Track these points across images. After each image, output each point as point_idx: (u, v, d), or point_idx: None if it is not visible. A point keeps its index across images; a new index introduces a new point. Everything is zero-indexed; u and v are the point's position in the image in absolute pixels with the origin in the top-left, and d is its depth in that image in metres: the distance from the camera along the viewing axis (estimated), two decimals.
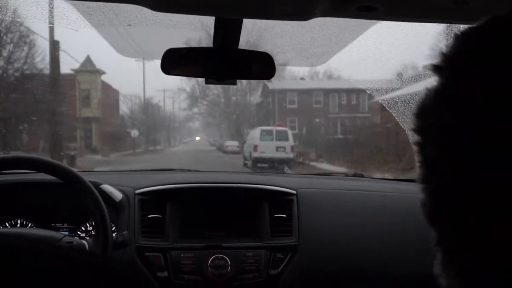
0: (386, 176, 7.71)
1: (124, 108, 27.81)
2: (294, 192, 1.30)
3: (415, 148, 0.37)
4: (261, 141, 13.59)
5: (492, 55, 0.32)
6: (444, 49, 0.36)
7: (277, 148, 13.45)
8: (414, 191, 1.42)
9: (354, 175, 1.70)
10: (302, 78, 25.77)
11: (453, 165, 0.33)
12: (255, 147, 13.46)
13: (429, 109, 0.36)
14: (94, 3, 1.05)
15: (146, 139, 26.87)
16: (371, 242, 1.21)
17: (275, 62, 1.02)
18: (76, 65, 18.41)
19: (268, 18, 1.04)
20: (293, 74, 25.48)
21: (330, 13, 0.74)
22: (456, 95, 0.33)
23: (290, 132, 14.46)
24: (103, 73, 20.58)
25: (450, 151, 0.33)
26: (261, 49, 1.09)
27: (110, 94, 22.57)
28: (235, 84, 1.11)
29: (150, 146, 27.47)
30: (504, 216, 0.30)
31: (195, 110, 31.35)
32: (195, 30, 1.16)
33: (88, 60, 19.22)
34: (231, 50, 0.97)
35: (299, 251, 1.21)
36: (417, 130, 0.37)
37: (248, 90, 25.17)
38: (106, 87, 21.97)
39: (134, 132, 22.03)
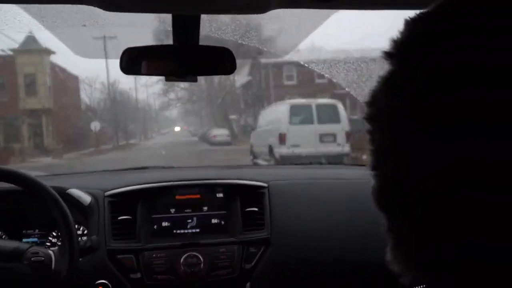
0: None
1: (85, 97, 28.06)
2: (265, 185, 1.61)
3: (367, 136, 0.47)
4: (291, 125, 10.23)
5: (439, 40, 0.38)
6: (396, 36, 0.43)
7: (322, 137, 10.10)
8: None
9: (329, 163, 2.01)
10: (297, 50, 25.72)
11: (398, 152, 0.40)
12: (281, 137, 10.19)
13: (378, 97, 0.44)
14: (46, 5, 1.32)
15: (115, 132, 27.12)
16: (343, 232, 1.53)
17: (236, 57, 1.31)
18: (15, 46, 18.39)
19: (225, 13, 1.32)
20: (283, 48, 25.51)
21: (286, 5, 0.93)
22: (402, 82, 0.40)
23: (341, 108, 10.69)
24: (52, 53, 20.44)
25: (395, 138, 0.41)
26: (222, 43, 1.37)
27: (65, 79, 22.54)
28: (196, 81, 1.38)
29: (121, 140, 27.81)
30: (449, 197, 0.36)
31: (172, 96, 31.76)
32: (153, 27, 1.45)
33: (30, 38, 18.82)
34: (191, 47, 1.19)
35: (272, 244, 1.52)
36: (368, 118, 0.45)
37: None
38: (59, 71, 21.86)
39: (95, 125, 22.11)
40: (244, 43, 1.47)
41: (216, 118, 30.15)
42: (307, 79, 21.13)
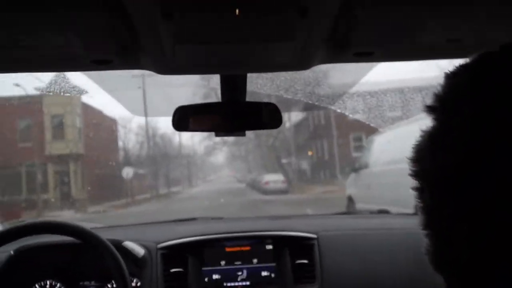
0: None
1: (120, 140, 28.98)
2: (315, 236, 1.94)
3: (413, 193, 0.53)
4: None
5: (481, 92, 0.44)
6: (437, 90, 0.50)
7: None
8: None
9: (379, 211, 2.32)
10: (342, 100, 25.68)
11: (450, 212, 0.46)
12: None
13: (423, 153, 0.50)
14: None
15: (155, 180, 28.15)
16: (393, 284, 1.81)
17: (282, 110, 1.66)
18: (42, 85, 19.48)
19: (269, 71, 1.68)
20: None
21: (328, 60, 1.16)
22: (445, 136, 0.46)
23: None
24: (84, 92, 21.33)
25: (445, 197, 0.47)
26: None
27: (99, 121, 23.18)
28: (244, 135, 1.70)
29: (163, 188, 28.85)
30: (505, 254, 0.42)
31: (217, 139, 33.14)
32: (203, 87, 1.87)
33: (59, 76, 20.03)
34: (238, 103, 1.52)
35: None
36: (414, 175, 0.51)
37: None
38: (93, 112, 22.28)
39: (127, 172, 22.65)
40: (289, 97, 1.86)
41: (265, 162, 30.72)
42: (376, 111, 20.99)
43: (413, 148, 0.53)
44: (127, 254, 1.85)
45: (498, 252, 0.44)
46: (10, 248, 1.90)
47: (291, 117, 27.42)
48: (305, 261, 1.89)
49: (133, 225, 2.57)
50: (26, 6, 0.84)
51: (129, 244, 1.90)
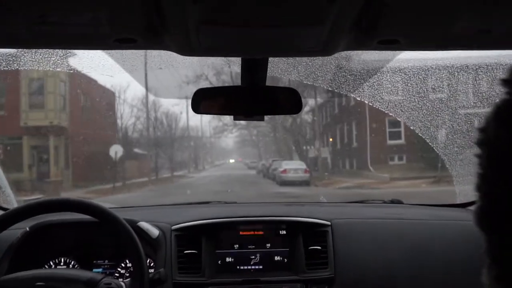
0: None
1: (122, 116, 29.16)
2: (329, 223, 2.38)
3: (475, 159, 0.68)
4: None
5: None
6: None
7: None
8: (452, 217, 2.49)
9: (391, 201, 2.77)
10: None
11: (505, 179, 0.61)
12: None
13: (489, 124, 0.65)
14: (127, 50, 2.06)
15: (156, 162, 28.68)
16: (406, 272, 2.25)
17: (302, 96, 1.99)
18: None
19: (292, 56, 2.03)
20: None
21: (352, 47, 1.31)
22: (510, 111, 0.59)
23: None
24: (71, 54, 20.70)
25: (502, 166, 0.62)
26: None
27: (90, 91, 22.92)
28: (263, 120, 2.07)
29: (164, 171, 29.51)
30: None
31: (226, 120, 34.00)
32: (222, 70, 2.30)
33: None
34: (258, 88, 1.72)
35: (336, 284, 2.26)
36: (478, 143, 0.66)
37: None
38: (84, 80, 21.14)
39: (116, 150, 22.75)
40: (309, 83, 2.27)
41: (281, 147, 31.16)
42: (416, 94, 20.79)
43: (483, 119, 0.69)
44: (142, 234, 2.27)
45: None
46: (26, 225, 2.25)
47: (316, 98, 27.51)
48: (318, 247, 2.32)
49: (148, 206, 3.03)
50: None
51: (144, 225, 2.33)
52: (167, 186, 23.99)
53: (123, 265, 2.42)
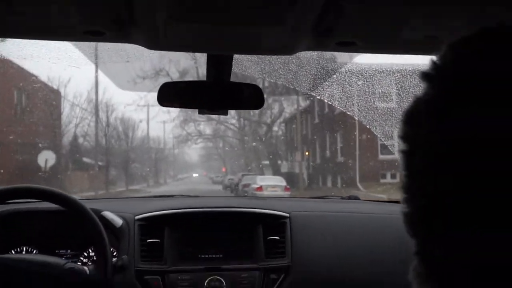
0: None
1: (67, 118, 28.06)
2: (287, 215, 2.62)
3: (400, 155, 0.69)
4: None
5: (483, 66, 0.60)
6: (436, 58, 0.67)
7: None
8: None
9: (349, 197, 3.13)
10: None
11: (438, 176, 0.63)
12: None
13: (418, 118, 0.67)
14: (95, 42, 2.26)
15: (106, 174, 28.51)
16: (360, 262, 2.47)
17: (264, 92, 2.15)
18: None
19: (255, 53, 2.26)
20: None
21: (312, 48, 1.49)
22: (445, 106, 0.62)
23: None
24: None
25: (436, 162, 0.63)
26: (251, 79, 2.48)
27: (25, 86, 21.84)
28: (226, 114, 2.28)
29: (119, 185, 29.26)
30: (483, 225, 0.59)
31: (191, 129, 35.08)
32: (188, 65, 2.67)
33: None
34: (223, 83, 1.90)
35: (292, 272, 2.48)
36: (405, 137, 0.69)
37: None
38: (19, 74, 20.81)
39: (47, 157, 21.63)
40: (271, 80, 2.65)
41: (250, 161, 31.45)
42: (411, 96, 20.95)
43: (405, 110, 0.71)
44: (106, 223, 2.45)
45: (477, 220, 0.62)
46: None
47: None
48: (277, 238, 2.57)
49: (112, 199, 3.31)
50: None
51: (108, 214, 2.53)
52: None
53: (85, 254, 2.59)
